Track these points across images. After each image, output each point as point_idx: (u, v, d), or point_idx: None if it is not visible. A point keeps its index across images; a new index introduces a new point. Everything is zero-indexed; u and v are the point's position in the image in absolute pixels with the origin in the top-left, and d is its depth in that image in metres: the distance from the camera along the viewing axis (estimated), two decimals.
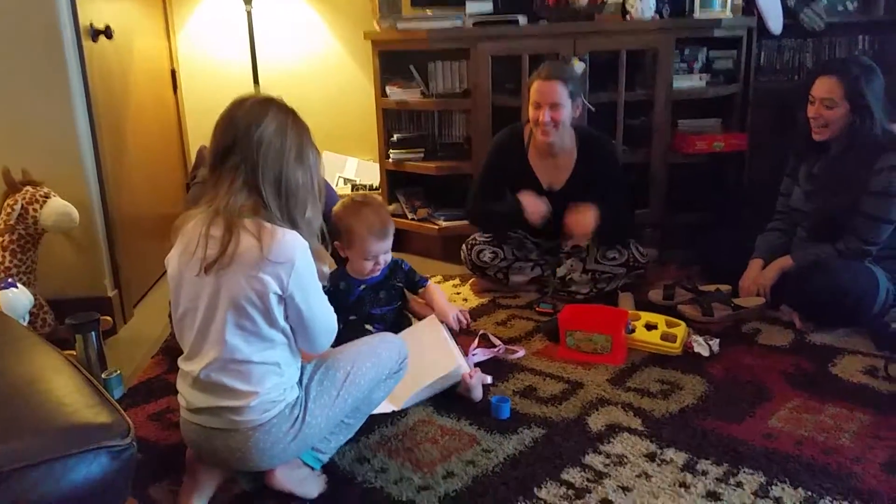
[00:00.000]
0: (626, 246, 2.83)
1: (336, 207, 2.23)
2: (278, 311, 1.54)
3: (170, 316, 1.87)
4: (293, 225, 1.57)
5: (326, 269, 1.77)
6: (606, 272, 2.81)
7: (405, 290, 2.41)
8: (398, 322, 2.35)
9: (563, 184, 2.82)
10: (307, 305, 1.56)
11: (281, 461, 1.64)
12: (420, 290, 2.38)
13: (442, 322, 2.29)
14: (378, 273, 2.22)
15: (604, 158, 2.80)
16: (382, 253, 2.18)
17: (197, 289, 1.55)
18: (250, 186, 1.53)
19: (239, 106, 1.57)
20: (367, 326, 2.24)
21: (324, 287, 1.74)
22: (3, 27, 2.44)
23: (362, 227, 2.13)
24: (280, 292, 1.52)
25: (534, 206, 2.70)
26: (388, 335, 1.97)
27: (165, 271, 1.64)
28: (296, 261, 1.52)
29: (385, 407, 2.01)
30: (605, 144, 2.87)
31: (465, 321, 2.40)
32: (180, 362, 1.65)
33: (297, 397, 1.63)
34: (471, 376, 2.09)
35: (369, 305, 2.25)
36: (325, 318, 1.64)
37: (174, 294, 1.61)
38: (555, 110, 2.64)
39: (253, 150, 1.52)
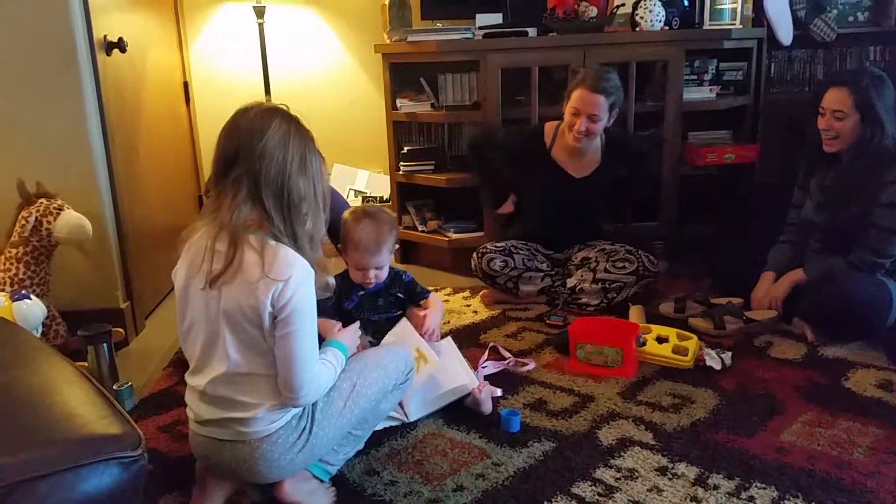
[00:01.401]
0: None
1: (346, 212, 2.22)
2: (271, 331, 1.52)
3: None
4: (294, 237, 1.56)
5: (331, 280, 1.76)
6: (617, 281, 2.80)
7: (407, 301, 2.36)
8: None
9: (589, 174, 2.91)
10: (299, 326, 1.51)
11: (289, 473, 1.64)
12: (421, 303, 2.32)
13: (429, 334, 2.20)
14: (372, 285, 2.20)
15: (630, 153, 2.93)
16: (372, 267, 2.13)
17: (202, 302, 1.56)
18: (253, 199, 1.53)
19: (243, 115, 1.57)
20: (368, 338, 2.22)
21: (328, 298, 1.72)
22: (18, 40, 2.47)
23: (355, 237, 2.11)
24: (272, 310, 1.50)
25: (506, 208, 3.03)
26: (395, 347, 1.96)
27: None
28: (293, 281, 1.49)
29: (393, 419, 2.00)
30: (630, 139, 3.00)
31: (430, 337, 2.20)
32: (187, 377, 1.65)
33: (304, 408, 1.63)
34: (479, 390, 2.08)
35: (368, 312, 2.25)
36: (312, 356, 1.57)
37: (180, 307, 1.62)
38: (591, 121, 2.72)
39: (255, 161, 1.51)
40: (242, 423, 1.56)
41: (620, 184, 2.95)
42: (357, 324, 1.95)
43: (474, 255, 2.98)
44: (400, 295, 2.29)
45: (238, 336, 1.54)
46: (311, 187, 1.58)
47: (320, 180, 1.61)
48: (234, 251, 1.50)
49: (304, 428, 1.61)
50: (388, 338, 2.16)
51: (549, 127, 2.91)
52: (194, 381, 1.62)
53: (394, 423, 2.01)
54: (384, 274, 2.19)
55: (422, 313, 2.23)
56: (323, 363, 1.64)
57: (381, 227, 2.13)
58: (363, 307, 2.24)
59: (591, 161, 2.90)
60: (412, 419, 2.04)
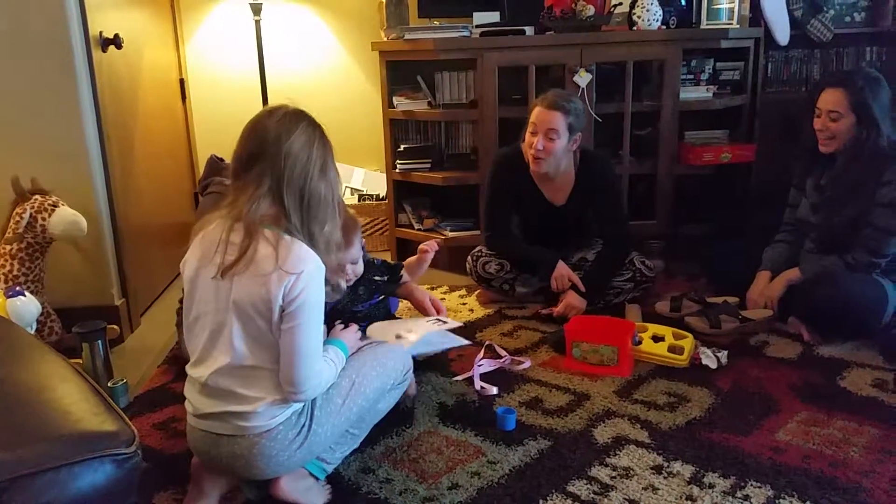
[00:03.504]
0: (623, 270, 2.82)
1: None
2: (279, 324, 1.53)
3: (177, 325, 1.84)
4: (311, 237, 1.58)
5: (343, 284, 1.78)
6: (614, 287, 2.81)
7: (389, 282, 2.40)
8: (385, 319, 2.34)
9: (565, 201, 2.83)
10: (306, 320, 1.53)
11: (286, 470, 1.64)
12: (402, 272, 2.39)
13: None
14: (352, 281, 2.20)
15: (600, 179, 2.80)
16: (348, 262, 2.13)
17: (212, 293, 1.56)
18: (273, 195, 1.55)
19: (270, 115, 1.59)
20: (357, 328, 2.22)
21: (337, 301, 1.72)
22: (13, 36, 2.46)
23: None
24: (283, 303, 1.51)
25: (562, 279, 2.74)
26: (393, 346, 1.96)
27: (172, 280, 1.65)
28: (305, 275, 1.51)
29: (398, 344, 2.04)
30: (603, 167, 2.85)
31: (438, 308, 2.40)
32: (189, 369, 1.65)
33: (304, 405, 1.62)
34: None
35: (351, 304, 2.25)
36: (316, 352, 1.59)
37: (188, 298, 1.62)
38: (549, 139, 2.63)
39: (281, 160, 1.54)
40: (242, 417, 1.56)
41: (592, 205, 2.84)
42: (355, 326, 1.95)
43: (469, 258, 2.97)
44: (377, 278, 2.31)
45: (245, 328, 1.54)
46: (331, 192, 1.61)
47: (337, 187, 1.65)
48: (248, 243, 1.52)
49: (304, 425, 1.61)
50: (371, 330, 2.19)
51: (526, 146, 2.81)
52: (196, 372, 1.61)
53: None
54: (361, 267, 2.19)
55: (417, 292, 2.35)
56: (325, 361, 1.64)
57: (344, 221, 2.12)
58: (346, 300, 2.24)
59: (566, 184, 2.81)
60: (411, 353, 2.06)
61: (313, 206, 1.57)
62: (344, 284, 1.80)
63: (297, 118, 1.59)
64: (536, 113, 2.66)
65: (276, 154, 1.54)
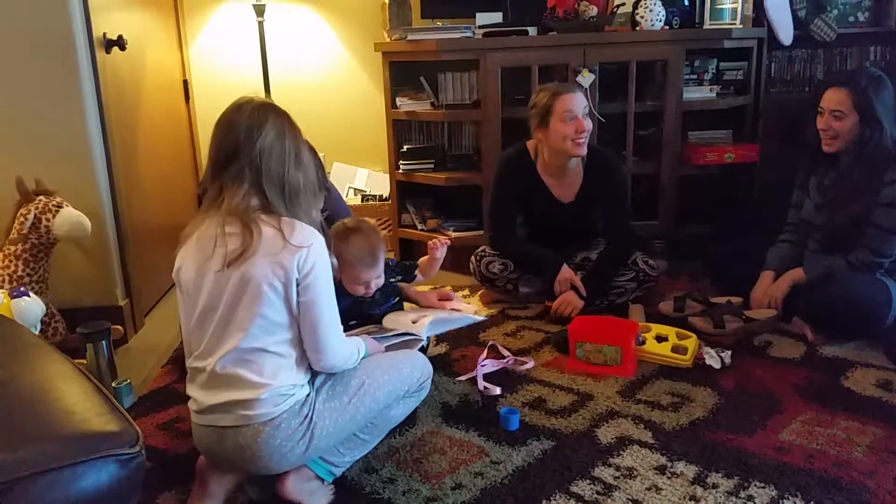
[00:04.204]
0: (626, 269, 2.82)
1: (331, 233, 2.21)
2: (295, 298, 1.57)
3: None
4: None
5: (334, 261, 1.79)
6: (617, 287, 2.80)
7: (398, 285, 2.41)
8: None
9: (573, 198, 2.84)
10: (323, 289, 1.59)
11: (290, 464, 1.64)
12: (416, 272, 2.41)
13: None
14: (370, 295, 2.19)
15: (609, 176, 2.82)
16: (374, 278, 2.14)
17: (219, 285, 1.57)
18: (256, 190, 1.59)
19: (238, 111, 1.61)
20: (371, 327, 2.22)
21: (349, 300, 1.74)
22: (17, 37, 2.47)
23: (350, 255, 2.09)
24: (299, 277, 1.55)
25: (564, 283, 2.74)
26: (413, 352, 1.96)
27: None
28: (315, 247, 1.57)
29: (408, 334, 2.07)
30: (610, 161, 2.87)
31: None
32: (193, 361, 1.63)
33: (308, 395, 1.63)
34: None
35: (366, 307, 2.25)
36: (335, 319, 1.64)
37: (192, 297, 1.61)
38: (587, 119, 2.68)
39: (256, 156, 1.57)
40: (246, 405, 1.56)
41: (598, 202, 2.86)
42: (378, 344, 1.97)
43: (472, 258, 2.97)
44: (392, 280, 2.31)
45: (257, 309, 1.55)
46: (308, 179, 1.66)
47: (311, 166, 1.69)
48: (250, 229, 1.54)
49: (306, 416, 1.61)
50: (387, 321, 2.22)
51: (531, 144, 2.85)
52: (203, 362, 1.60)
53: (408, 337, 2.06)
54: (382, 279, 2.18)
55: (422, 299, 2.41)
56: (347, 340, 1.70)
57: (370, 237, 2.13)
58: (360, 304, 2.23)
59: (575, 179, 2.83)
60: (425, 336, 2.11)
61: (293, 196, 1.62)
62: (335, 262, 1.82)
63: (264, 111, 1.61)
64: (567, 100, 2.65)
65: (250, 151, 1.57)
